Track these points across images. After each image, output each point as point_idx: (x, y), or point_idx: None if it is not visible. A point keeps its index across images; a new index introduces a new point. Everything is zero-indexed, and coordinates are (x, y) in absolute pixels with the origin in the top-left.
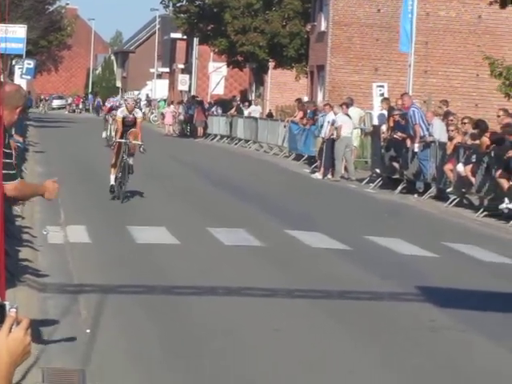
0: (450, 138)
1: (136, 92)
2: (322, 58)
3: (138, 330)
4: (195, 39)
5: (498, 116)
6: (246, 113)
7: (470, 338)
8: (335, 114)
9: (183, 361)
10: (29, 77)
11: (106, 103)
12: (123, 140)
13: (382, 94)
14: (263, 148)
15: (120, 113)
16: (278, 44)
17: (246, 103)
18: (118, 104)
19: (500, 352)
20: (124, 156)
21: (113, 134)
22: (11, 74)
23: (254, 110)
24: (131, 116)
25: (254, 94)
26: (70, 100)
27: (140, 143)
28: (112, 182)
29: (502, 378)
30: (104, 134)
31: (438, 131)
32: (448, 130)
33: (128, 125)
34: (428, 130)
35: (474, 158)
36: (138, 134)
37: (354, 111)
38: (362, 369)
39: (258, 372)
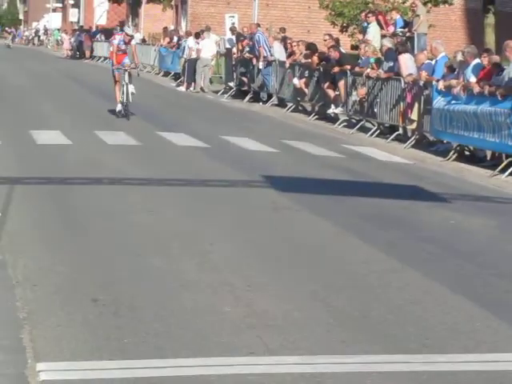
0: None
1: (35, 23)
2: None
3: (40, 214)
4: None
5: (325, 40)
6: None
7: (303, 216)
8: (196, 39)
9: (76, 236)
10: None
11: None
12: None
13: (234, 23)
14: (139, 67)
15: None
16: None
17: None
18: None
19: (324, 225)
20: (124, 82)
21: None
22: None
23: (135, 38)
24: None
25: (130, 24)
26: None
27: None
28: (119, 107)
29: (327, 245)
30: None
31: (278, 52)
32: (286, 51)
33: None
34: (270, 51)
35: (306, 73)
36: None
37: (210, 37)
38: (217, 239)
39: (138, 242)
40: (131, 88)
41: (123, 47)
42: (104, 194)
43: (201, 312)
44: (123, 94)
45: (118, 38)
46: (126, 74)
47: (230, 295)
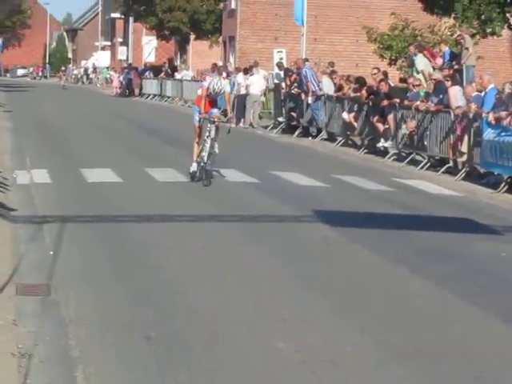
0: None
1: (84, 61)
2: (233, 30)
3: (91, 251)
4: (131, 18)
5: (373, 74)
6: (179, 76)
7: (355, 250)
8: (245, 75)
9: (127, 273)
10: None
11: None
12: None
13: (281, 59)
14: (187, 104)
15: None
16: (197, 20)
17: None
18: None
19: (376, 258)
20: (208, 137)
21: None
22: None
23: (186, 74)
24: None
25: (179, 61)
26: (31, 69)
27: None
28: (194, 168)
29: (379, 280)
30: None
31: (327, 87)
32: (335, 85)
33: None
34: (318, 85)
35: (355, 107)
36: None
37: (259, 72)
38: (273, 275)
39: (190, 278)
40: (215, 146)
41: (214, 93)
42: (155, 232)
43: (253, 347)
44: (204, 151)
45: (209, 81)
46: (214, 127)
47: (283, 330)
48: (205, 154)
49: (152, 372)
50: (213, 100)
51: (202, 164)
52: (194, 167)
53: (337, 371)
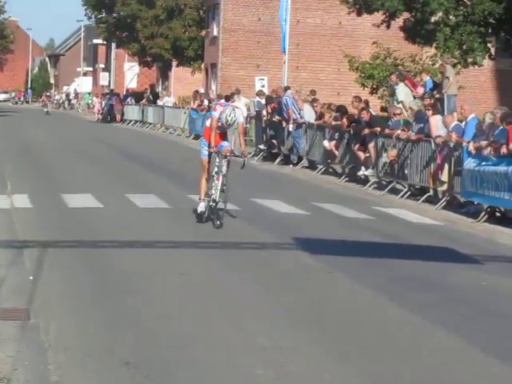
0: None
1: (66, 87)
2: (215, 57)
3: (72, 276)
4: (113, 44)
5: (352, 102)
6: (161, 103)
7: (335, 278)
8: (226, 102)
9: (108, 299)
10: None
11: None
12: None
13: (263, 86)
14: (169, 130)
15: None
16: (179, 46)
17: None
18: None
19: (356, 287)
20: (218, 173)
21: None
22: None
23: (168, 101)
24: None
25: (160, 87)
26: (13, 94)
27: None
28: (202, 208)
29: (359, 308)
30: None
31: (308, 115)
32: (316, 113)
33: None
34: (299, 113)
35: (336, 136)
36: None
37: (241, 100)
38: (253, 302)
39: (170, 304)
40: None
41: (226, 124)
42: (136, 257)
43: (233, 374)
44: (214, 189)
45: (219, 111)
46: (225, 162)
47: (262, 358)
48: (215, 192)
49: None
50: (222, 132)
51: (211, 203)
52: (201, 207)
53: None
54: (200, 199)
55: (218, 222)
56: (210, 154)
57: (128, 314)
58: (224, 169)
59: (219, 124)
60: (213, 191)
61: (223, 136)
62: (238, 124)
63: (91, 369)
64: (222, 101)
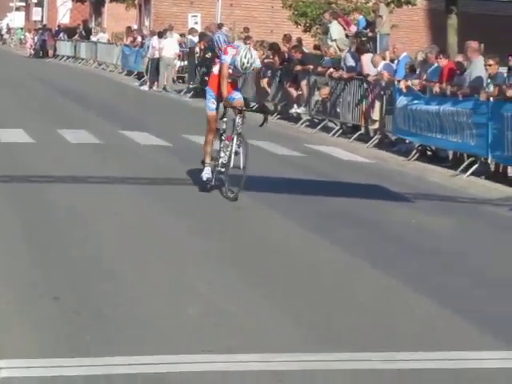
0: None
1: None
2: None
3: (1, 212)
4: None
5: (283, 41)
6: (95, 39)
7: (265, 215)
8: (160, 39)
9: (38, 234)
10: None
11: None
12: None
13: (196, 23)
14: (101, 66)
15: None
16: None
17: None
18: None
19: (287, 223)
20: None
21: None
22: None
23: (102, 37)
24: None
25: (93, 23)
26: None
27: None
28: (208, 174)
29: (290, 245)
30: None
31: None
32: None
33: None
34: None
35: (269, 73)
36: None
37: (173, 36)
38: (179, 239)
39: (101, 243)
40: (242, 146)
41: (242, 69)
42: (67, 193)
43: (162, 312)
44: (224, 151)
45: (230, 54)
46: (240, 118)
47: (191, 296)
48: (224, 155)
49: (60, 332)
50: (234, 81)
51: (218, 169)
52: (207, 172)
53: (243, 334)
54: (205, 163)
55: (231, 193)
56: (217, 108)
57: (57, 251)
58: (239, 126)
59: (230, 71)
60: (222, 154)
61: (234, 86)
62: (255, 69)
63: (19, 304)
64: (236, 42)
